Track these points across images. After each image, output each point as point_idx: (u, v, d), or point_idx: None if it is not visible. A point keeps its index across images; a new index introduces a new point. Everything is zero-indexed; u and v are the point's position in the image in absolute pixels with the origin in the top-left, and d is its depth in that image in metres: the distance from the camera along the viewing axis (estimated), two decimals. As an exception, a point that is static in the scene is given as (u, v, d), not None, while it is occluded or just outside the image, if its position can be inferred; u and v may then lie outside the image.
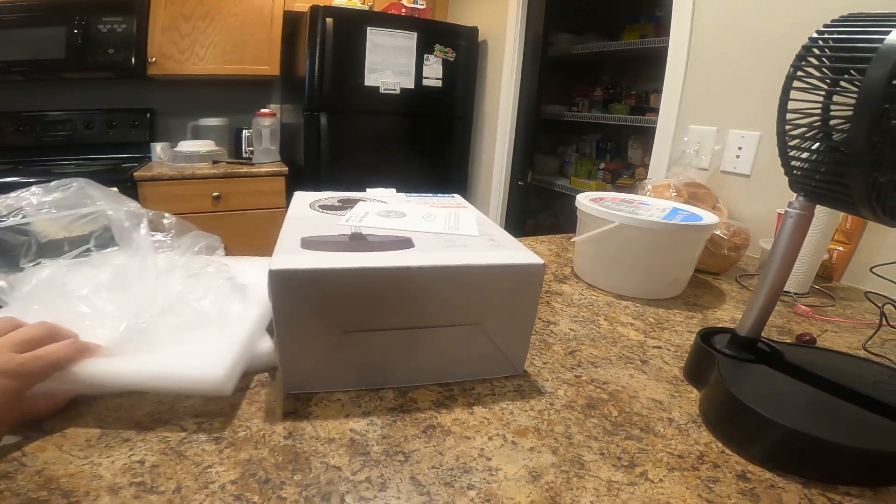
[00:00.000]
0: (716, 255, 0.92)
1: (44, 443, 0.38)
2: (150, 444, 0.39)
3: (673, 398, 0.52)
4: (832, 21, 0.42)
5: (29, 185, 0.43)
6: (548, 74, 2.42)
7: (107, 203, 0.45)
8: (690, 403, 0.51)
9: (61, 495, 0.33)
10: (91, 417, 0.41)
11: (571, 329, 0.67)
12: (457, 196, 0.75)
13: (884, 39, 0.36)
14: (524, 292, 0.49)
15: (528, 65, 2.26)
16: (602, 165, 2.66)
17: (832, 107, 0.40)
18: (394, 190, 0.77)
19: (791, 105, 0.43)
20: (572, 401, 0.50)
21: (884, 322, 0.72)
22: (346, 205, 0.65)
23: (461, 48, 2.34)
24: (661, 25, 2.24)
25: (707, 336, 0.57)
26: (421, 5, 2.35)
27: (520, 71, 2.26)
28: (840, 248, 0.97)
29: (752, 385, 0.47)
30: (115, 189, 0.53)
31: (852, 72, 0.38)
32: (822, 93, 0.40)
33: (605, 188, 2.45)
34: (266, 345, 0.51)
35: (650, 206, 0.87)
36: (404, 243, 0.50)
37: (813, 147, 0.42)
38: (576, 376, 0.55)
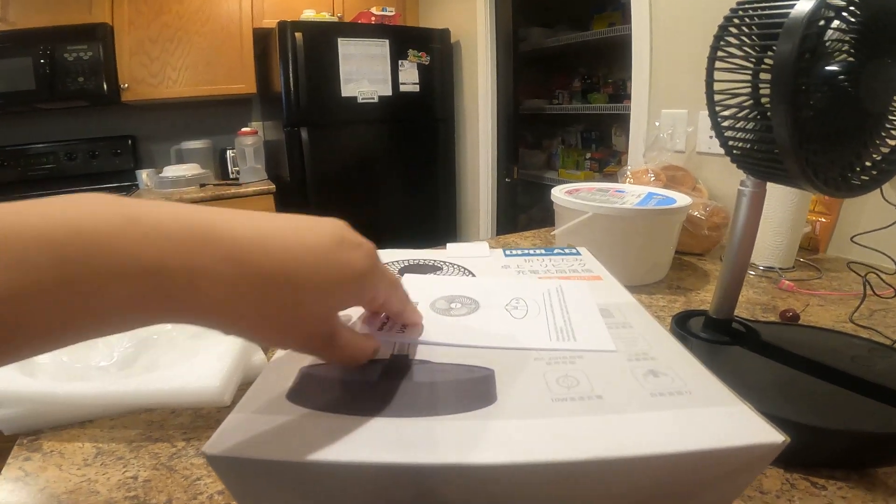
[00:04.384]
0: (696, 236, 0.93)
1: (45, 463, 0.40)
2: (143, 461, 0.40)
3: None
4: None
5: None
6: (525, 69, 2.43)
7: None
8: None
9: (62, 512, 0.36)
10: (87, 439, 0.43)
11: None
12: (584, 252, 0.51)
13: (789, 13, 0.34)
14: (727, 483, 0.24)
15: (502, 61, 2.28)
16: (588, 155, 2.67)
17: (761, 86, 0.39)
18: (486, 244, 0.51)
19: (720, 86, 0.42)
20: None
21: (869, 292, 0.68)
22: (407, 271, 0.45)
23: (435, 51, 2.35)
24: (627, 12, 2.23)
25: (683, 320, 0.55)
26: (390, 12, 2.35)
27: (495, 68, 2.28)
28: (822, 220, 0.97)
29: (723, 369, 0.44)
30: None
31: (774, 48, 0.35)
32: (750, 71, 0.40)
33: (593, 178, 2.47)
34: (259, 357, 0.52)
35: (625, 192, 0.88)
36: (479, 390, 0.26)
37: (748, 126, 0.41)
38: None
